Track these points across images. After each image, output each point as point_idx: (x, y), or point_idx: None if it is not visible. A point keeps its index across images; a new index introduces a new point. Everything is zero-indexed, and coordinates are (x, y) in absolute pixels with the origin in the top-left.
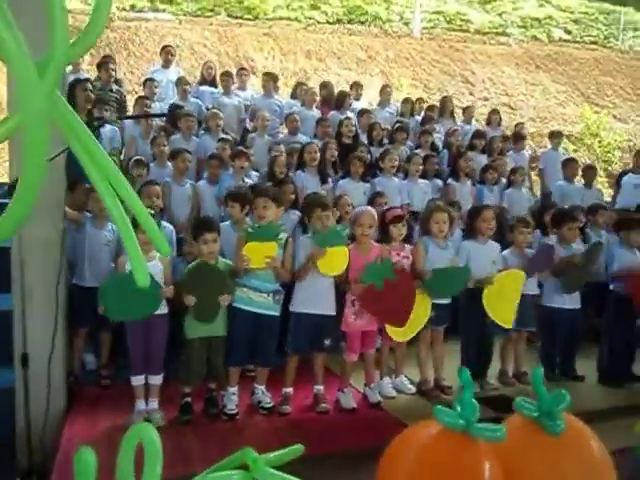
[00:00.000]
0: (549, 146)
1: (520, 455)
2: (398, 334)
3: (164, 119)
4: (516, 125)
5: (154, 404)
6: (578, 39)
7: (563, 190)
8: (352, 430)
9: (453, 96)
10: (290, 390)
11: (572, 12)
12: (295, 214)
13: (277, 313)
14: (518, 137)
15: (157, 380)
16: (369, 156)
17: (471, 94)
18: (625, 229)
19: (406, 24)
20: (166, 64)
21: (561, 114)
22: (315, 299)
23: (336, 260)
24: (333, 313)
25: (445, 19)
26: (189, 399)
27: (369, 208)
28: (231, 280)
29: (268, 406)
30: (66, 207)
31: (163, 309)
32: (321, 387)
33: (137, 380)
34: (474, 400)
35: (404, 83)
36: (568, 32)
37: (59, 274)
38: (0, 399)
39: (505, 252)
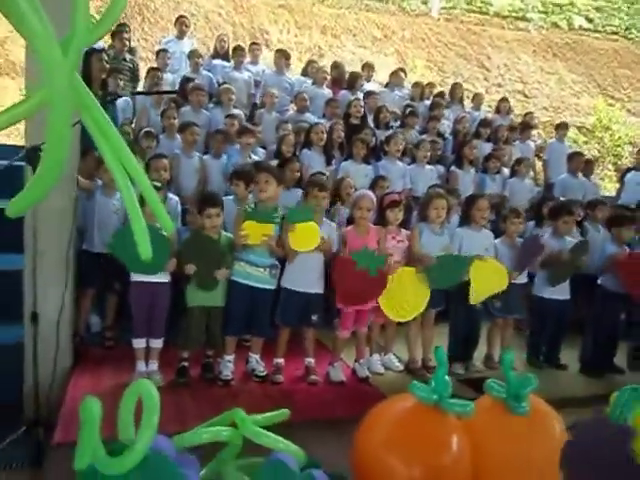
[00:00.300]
0: (553, 138)
1: (488, 432)
2: (395, 314)
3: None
4: (525, 114)
5: (154, 366)
6: (599, 28)
7: (566, 183)
8: (339, 401)
9: (467, 81)
10: (281, 361)
11: None
12: (298, 192)
13: (273, 287)
14: (526, 126)
15: (158, 344)
16: (374, 139)
17: (485, 79)
18: (616, 225)
19: (424, 3)
20: (180, 35)
21: (575, 105)
22: (304, 277)
23: (306, 236)
24: (320, 291)
25: (465, 0)
26: (186, 363)
27: (369, 192)
28: (230, 254)
29: (262, 374)
30: (78, 175)
31: (166, 277)
32: (312, 360)
33: (138, 343)
34: (447, 377)
35: (418, 64)
36: (589, 20)
37: (69, 239)
38: (10, 354)
39: (496, 241)
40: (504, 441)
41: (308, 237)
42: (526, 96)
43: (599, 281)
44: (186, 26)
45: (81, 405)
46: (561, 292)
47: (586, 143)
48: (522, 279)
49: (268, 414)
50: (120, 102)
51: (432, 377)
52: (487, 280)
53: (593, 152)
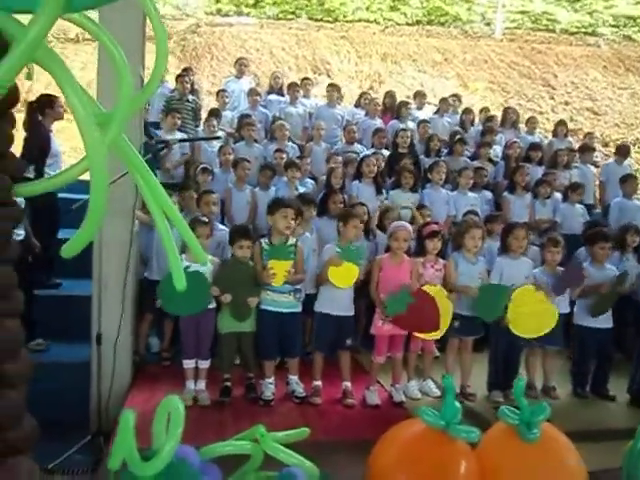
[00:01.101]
0: (612, 158)
1: (497, 457)
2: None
3: (234, 128)
4: (585, 135)
5: (202, 385)
6: None
7: (621, 206)
8: (371, 424)
9: (532, 100)
10: (319, 383)
11: None
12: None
13: (299, 310)
14: (586, 149)
15: (205, 365)
16: (414, 167)
17: (552, 98)
18: None
19: (488, 24)
20: (239, 74)
21: None
22: (336, 301)
23: (347, 275)
24: (352, 314)
25: (530, 19)
26: (229, 384)
27: (406, 224)
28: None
29: (301, 395)
30: (140, 211)
31: (212, 304)
32: (349, 383)
33: (188, 363)
34: (456, 403)
35: (480, 87)
36: None
37: (127, 268)
38: (79, 371)
39: (536, 270)
40: (512, 468)
41: (347, 276)
42: (596, 113)
43: None
44: (245, 66)
45: (120, 416)
46: (603, 321)
47: None
48: (564, 309)
49: (288, 432)
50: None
51: (442, 404)
52: (532, 311)
53: None
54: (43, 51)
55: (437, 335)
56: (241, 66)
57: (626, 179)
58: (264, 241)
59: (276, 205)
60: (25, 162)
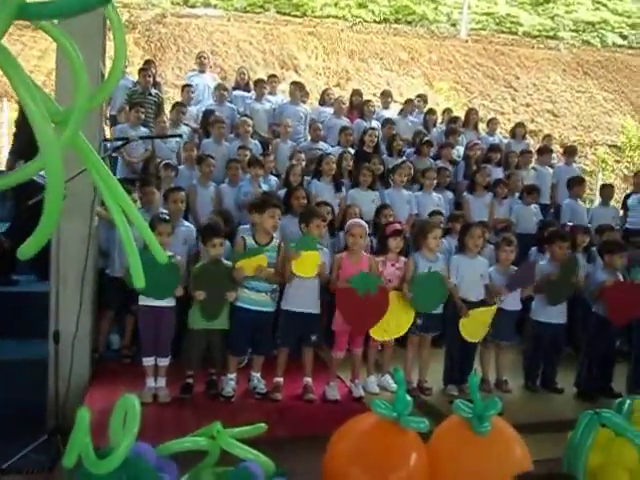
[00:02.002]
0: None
1: (449, 449)
2: (377, 333)
3: (198, 124)
4: (543, 137)
5: (162, 382)
6: (634, 44)
7: (572, 207)
8: (331, 419)
9: (494, 101)
10: (281, 380)
11: (629, 16)
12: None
13: (273, 309)
14: (544, 151)
15: (164, 362)
16: (382, 167)
17: (513, 99)
18: (608, 252)
19: (453, 25)
20: (201, 69)
21: (606, 123)
22: (302, 299)
23: (308, 264)
24: (317, 311)
25: (494, 21)
26: (191, 380)
27: (360, 221)
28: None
29: (262, 392)
30: (100, 207)
31: (171, 302)
32: (310, 379)
33: (147, 361)
34: (407, 396)
35: (444, 87)
36: (624, 37)
37: (85, 265)
38: (36, 369)
39: (490, 269)
40: (461, 459)
41: (310, 264)
42: (555, 115)
43: (593, 308)
44: (205, 60)
45: (76, 413)
46: (558, 316)
47: (618, 162)
48: (515, 306)
49: (244, 428)
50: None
51: (394, 396)
52: (477, 324)
53: (625, 171)
54: None
55: (396, 335)
56: (202, 60)
57: (574, 182)
58: (248, 238)
59: (265, 204)
60: (15, 157)
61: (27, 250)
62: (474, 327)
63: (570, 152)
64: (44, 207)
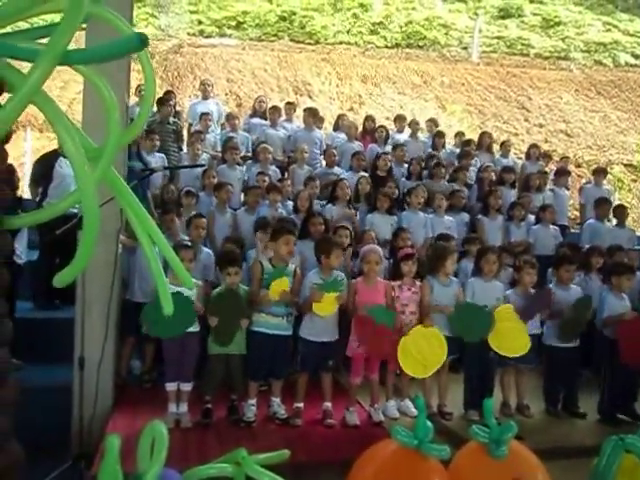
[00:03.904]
0: (592, 182)
1: (468, 474)
2: (418, 372)
3: (216, 151)
4: (560, 159)
5: (184, 408)
6: None
7: (593, 228)
8: (351, 444)
9: (507, 122)
10: (301, 405)
11: None
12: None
13: (290, 332)
14: (561, 173)
15: (187, 387)
16: (397, 191)
17: (526, 120)
18: (615, 274)
19: (465, 48)
20: (205, 96)
21: (621, 142)
22: (320, 327)
23: (329, 304)
24: (335, 338)
25: (505, 44)
26: (210, 405)
27: (375, 247)
28: (249, 307)
29: (282, 417)
30: (122, 235)
31: (196, 327)
32: (329, 404)
33: (170, 386)
34: (428, 422)
35: (457, 109)
36: (636, 57)
37: (111, 291)
38: (61, 394)
39: (509, 292)
40: None
41: (330, 304)
42: (569, 135)
43: (604, 332)
44: (209, 87)
45: (105, 441)
46: None
47: (634, 181)
48: (535, 329)
49: (269, 454)
50: (158, 159)
51: (415, 423)
52: (508, 329)
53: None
54: (38, 94)
55: (438, 365)
56: (205, 87)
57: (599, 202)
58: (265, 262)
59: (279, 232)
60: (33, 184)
61: (64, 278)
62: (501, 329)
63: (599, 173)
64: (81, 239)
